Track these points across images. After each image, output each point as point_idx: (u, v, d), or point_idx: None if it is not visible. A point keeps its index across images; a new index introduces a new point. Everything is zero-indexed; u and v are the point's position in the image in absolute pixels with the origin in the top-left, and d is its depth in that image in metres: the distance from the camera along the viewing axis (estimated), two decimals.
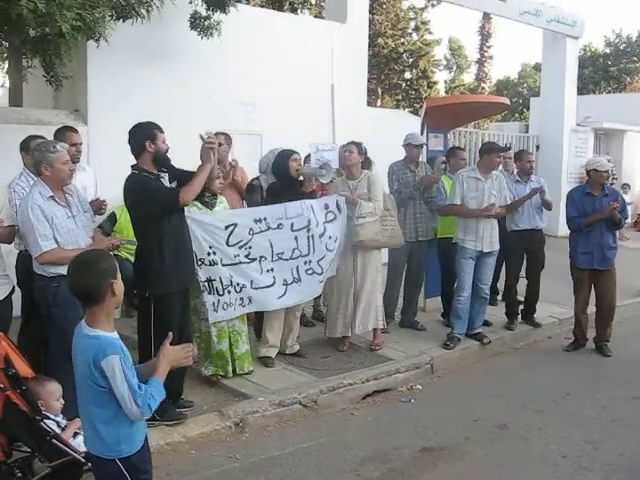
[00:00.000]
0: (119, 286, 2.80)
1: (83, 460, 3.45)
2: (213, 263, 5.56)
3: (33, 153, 4.57)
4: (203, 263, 5.52)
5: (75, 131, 5.59)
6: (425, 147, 8.03)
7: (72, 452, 3.52)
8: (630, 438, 5.10)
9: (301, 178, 6.17)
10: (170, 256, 4.73)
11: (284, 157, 6.15)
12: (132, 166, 4.75)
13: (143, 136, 4.69)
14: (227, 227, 5.62)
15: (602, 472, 4.57)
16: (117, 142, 6.39)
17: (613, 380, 6.41)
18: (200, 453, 4.63)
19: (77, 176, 5.51)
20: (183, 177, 4.85)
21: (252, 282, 5.78)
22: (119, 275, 2.82)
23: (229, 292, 5.65)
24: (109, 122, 7.14)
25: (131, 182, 4.72)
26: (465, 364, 6.75)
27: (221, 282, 5.61)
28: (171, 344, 2.91)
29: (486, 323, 7.47)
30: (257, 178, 6.61)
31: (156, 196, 4.66)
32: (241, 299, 5.73)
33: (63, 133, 5.49)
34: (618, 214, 6.91)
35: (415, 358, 6.50)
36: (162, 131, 4.74)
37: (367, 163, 6.75)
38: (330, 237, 6.16)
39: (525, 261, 7.85)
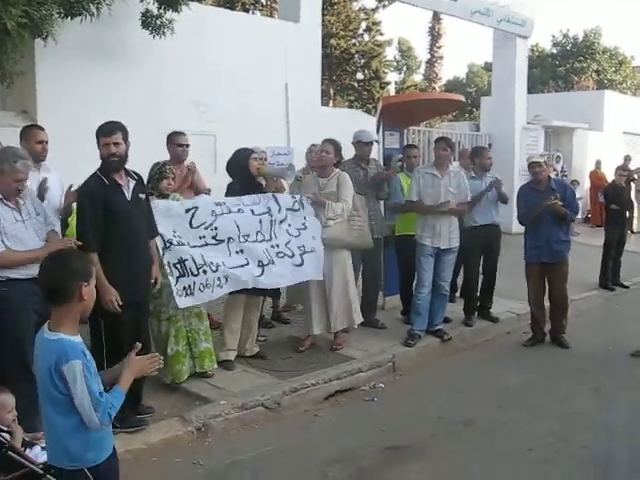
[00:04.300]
0: (89, 291, 2.69)
1: (41, 471, 3.31)
2: (181, 243, 5.40)
3: None
4: (172, 244, 5.34)
5: (41, 129, 5.42)
6: (380, 145, 8.04)
7: (29, 464, 3.38)
8: (591, 429, 5.15)
9: (260, 178, 6.07)
10: (117, 268, 4.53)
11: (244, 155, 6.03)
12: (100, 165, 4.66)
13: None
14: (188, 210, 5.50)
15: (567, 465, 4.60)
16: (66, 144, 6.22)
17: (572, 373, 6.47)
18: (162, 460, 4.52)
19: (41, 177, 5.32)
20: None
21: (224, 262, 5.62)
22: (93, 280, 2.73)
23: (205, 272, 5.46)
24: (59, 124, 6.93)
25: (82, 187, 4.64)
26: (426, 361, 6.74)
27: (194, 262, 5.42)
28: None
29: (445, 320, 7.46)
30: None
31: (80, 224, 4.56)
32: (218, 279, 5.54)
33: (29, 130, 5.36)
34: (561, 208, 6.97)
35: (377, 356, 6.47)
36: (104, 134, 4.56)
37: (338, 162, 6.64)
38: (290, 225, 6.09)
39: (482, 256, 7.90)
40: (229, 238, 5.69)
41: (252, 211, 5.87)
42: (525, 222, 7.42)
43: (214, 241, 5.62)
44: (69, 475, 2.69)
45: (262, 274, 5.83)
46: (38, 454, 3.51)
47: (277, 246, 5.99)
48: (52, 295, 2.66)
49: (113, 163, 4.59)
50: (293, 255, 6.07)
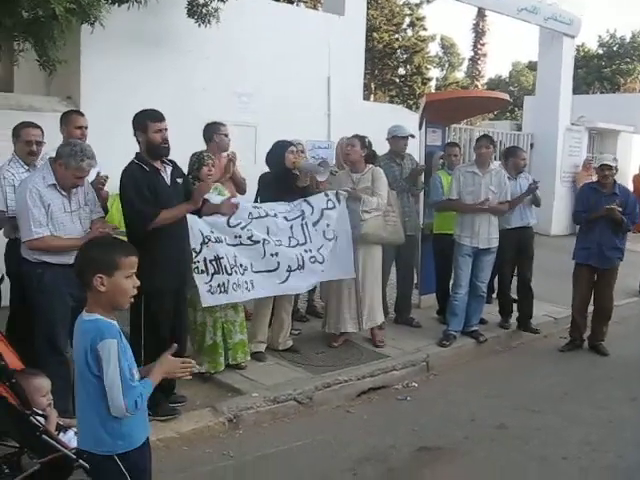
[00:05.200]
0: (110, 283, 2.58)
1: (74, 456, 3.31)
2: (218, 240, 5.44)
3: (64, 146, 4.43)
4: (210, 241, 5.38)
5: (81, 114, 5.48)
6: (422, 142, 7.94)
7: (62, 448, 3.39)
8: (628, 440, 5.03)
9: (296, 171, 6.05)
10: (161, 253, 4.54)
11: (281, 147, 6.06)
12: (136, 153, 4.65)
13: (135, 126, 4.60)
14: None
15: (602, 475, 4.49)
16: (109, 130, 6.24)
17: (611, 380, 6.33)
18: (193, 450, 4.52)
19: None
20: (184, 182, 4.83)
21: (252, 265, 5.65)
22: (122, 272, 2.62)
23: (236, 272, 5.51)
24: (101, 110, 6.99)
25: (123, 173, 4.62)
26: (461, 362, 6.66)
27: (228, 261, 5.47)
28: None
29: (481, 321, 7.36)
30: None
31: (132, 203, 4.54)
32: (246, 282, 5.58)
33: (69, 115, 5.40)
34: (619, 214, 6.77)
35: (411, 355, 6.40)
36: (158, 120, 4.57)
37: (372, 157, 6.59)
38: (328, 225, 6.04)
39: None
40: (264, 240, 5.71)
41: (285, 217, 5.89)
42: (581, 222, 7.29)
43: (249, 242, 5.64)
44: (100, 461, 2.67)
45: (286, 280, 5.82)
46: (71, 439, 3.51)
47: (310, 250, 5.97)
48: (77, 279, 2.70)
49: (164, 149, 4.62)
50: (323, 261, 6.03)
